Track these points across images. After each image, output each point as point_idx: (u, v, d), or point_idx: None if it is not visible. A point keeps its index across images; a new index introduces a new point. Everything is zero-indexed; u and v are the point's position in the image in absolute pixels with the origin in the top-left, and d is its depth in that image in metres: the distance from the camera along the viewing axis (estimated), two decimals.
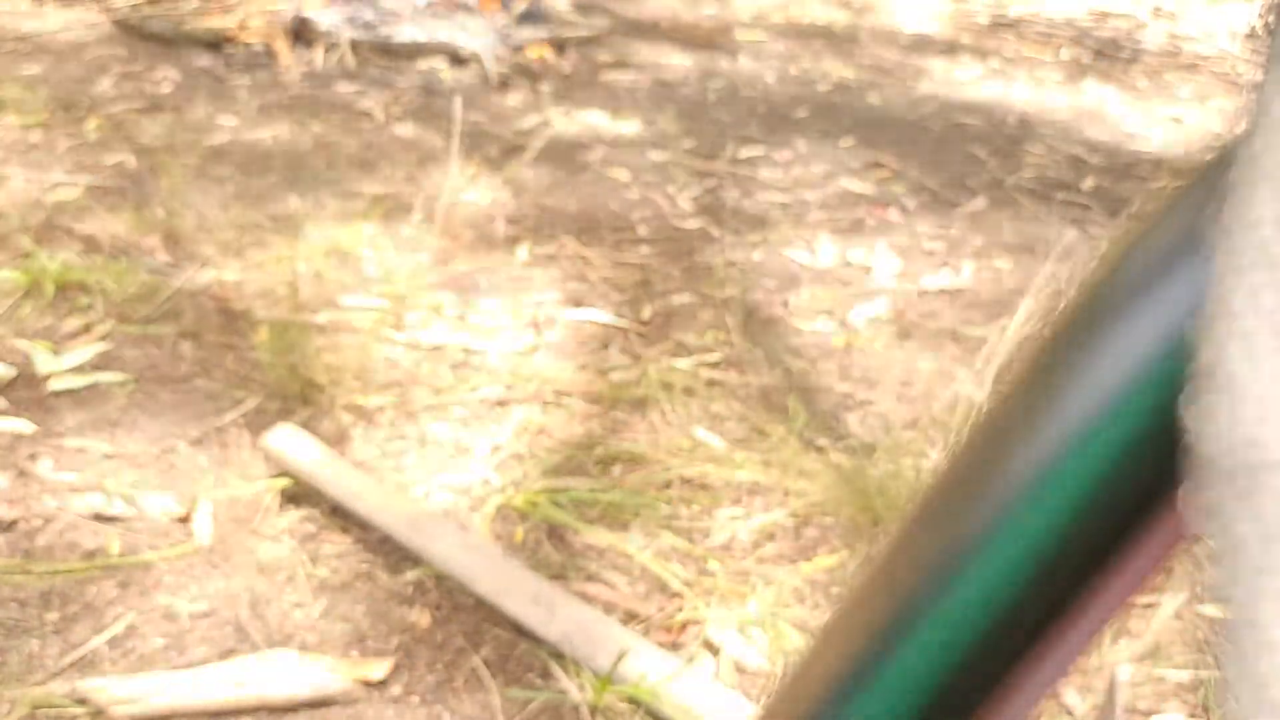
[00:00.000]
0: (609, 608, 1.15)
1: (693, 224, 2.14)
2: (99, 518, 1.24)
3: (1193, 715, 1.08)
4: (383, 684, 1.06)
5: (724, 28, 3.71)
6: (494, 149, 2.46)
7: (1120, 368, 0.21)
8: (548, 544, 1.24)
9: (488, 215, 2.11)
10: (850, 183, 2.41)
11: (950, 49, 3.69)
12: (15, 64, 2.76)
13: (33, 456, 1.33)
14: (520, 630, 1.11)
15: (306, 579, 1.17)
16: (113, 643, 1.08)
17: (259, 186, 2.16)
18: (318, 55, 2.96)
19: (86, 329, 1.61)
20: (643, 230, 2.10)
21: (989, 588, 0.24)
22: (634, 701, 1.03)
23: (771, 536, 1.27)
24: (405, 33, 3.08)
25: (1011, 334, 1.72)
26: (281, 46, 2.96)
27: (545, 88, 2.94)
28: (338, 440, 1.39)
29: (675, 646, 1.11)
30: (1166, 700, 1.09)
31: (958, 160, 2.59)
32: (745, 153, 2.55)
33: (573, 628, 1.08)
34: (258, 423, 1.41)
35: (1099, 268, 0.23)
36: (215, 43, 3.02)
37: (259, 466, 1.33)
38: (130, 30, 3.11)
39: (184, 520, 1.25)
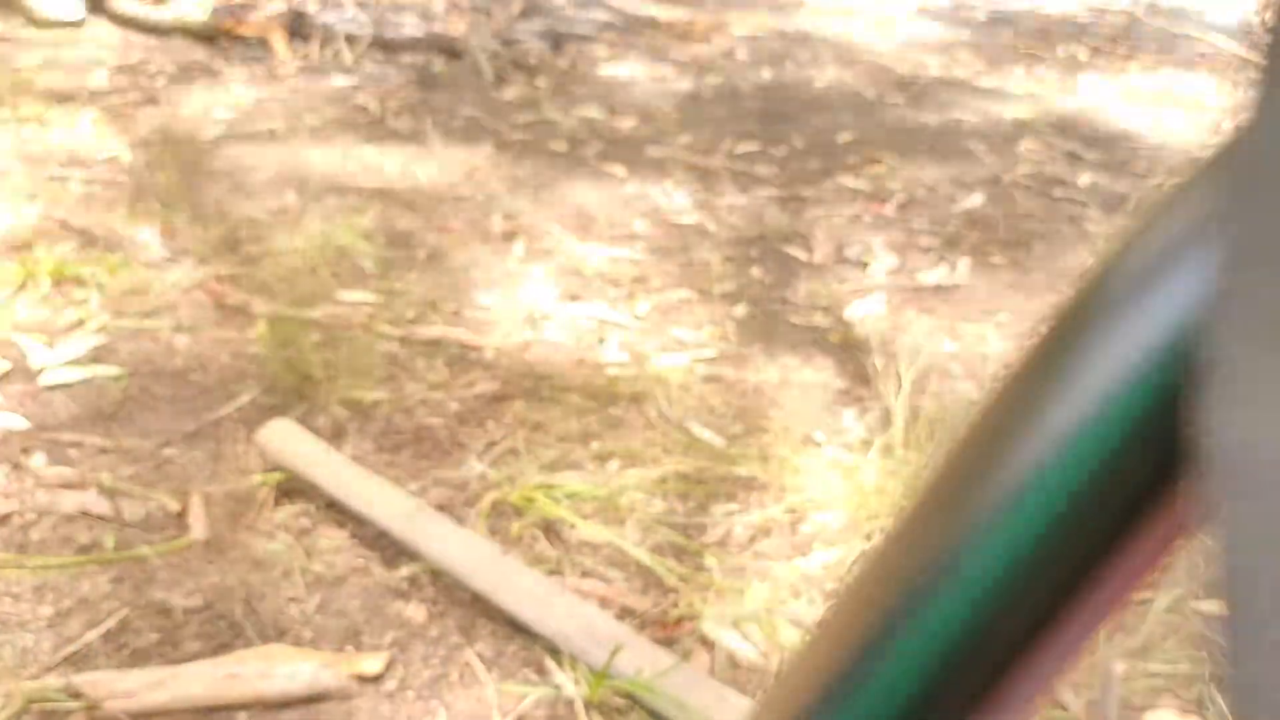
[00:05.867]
0: (604, 603, 1.15)
1: (689, 219, 2.14)
2: (93, 512, 1.24)
3: (1187, 711, 1.08)
4: (378, 679, 1.05)
5: (720, 24, 3.71)
6: (489, 144, 2.46)
7: (1121, 364, 0.21)
8: (543, 539, 1.24)
9: (484, 210, 2.11)
10: (846, 179, 2.41)
11: (947, 45, 3.68)
12: (10, 56, 2.75)
13: (27, 451, 1.33)
14: (515, 625, 1.11)
15: (301, 574, 1.17)
16: (107, 637, 1.08)
17: (255, 180, 2.16)
18: (314, 49, 2.95)
19: (81, 323, 1.60)
20: (639, 226, 2.10)
21: (987, 583, 0.24)
22: (629, 697, 1.03)
23: (767, 532, 1.27)
24: (402, 27, 3.07)
25: (1007, 332, 1.72)
26: (278, 40, 2.95)
27: (541, 83, 2.93)
28: (333, 435, 1.39)
29: (670, 642, 1.11)
30: (1161, 696, 1.09)
31: (954, 156, 2.59)
32: (741, 148, 2.55)
33: (568, 623, 1.08)
34: (253, 417, 1.41)
35: (1100, 263, 0.23)
36: (211, 36, 3.01)
37: (254, 461, 1.33)
38: (126, 23, 3.10)
39: (179, 515, 1.25)
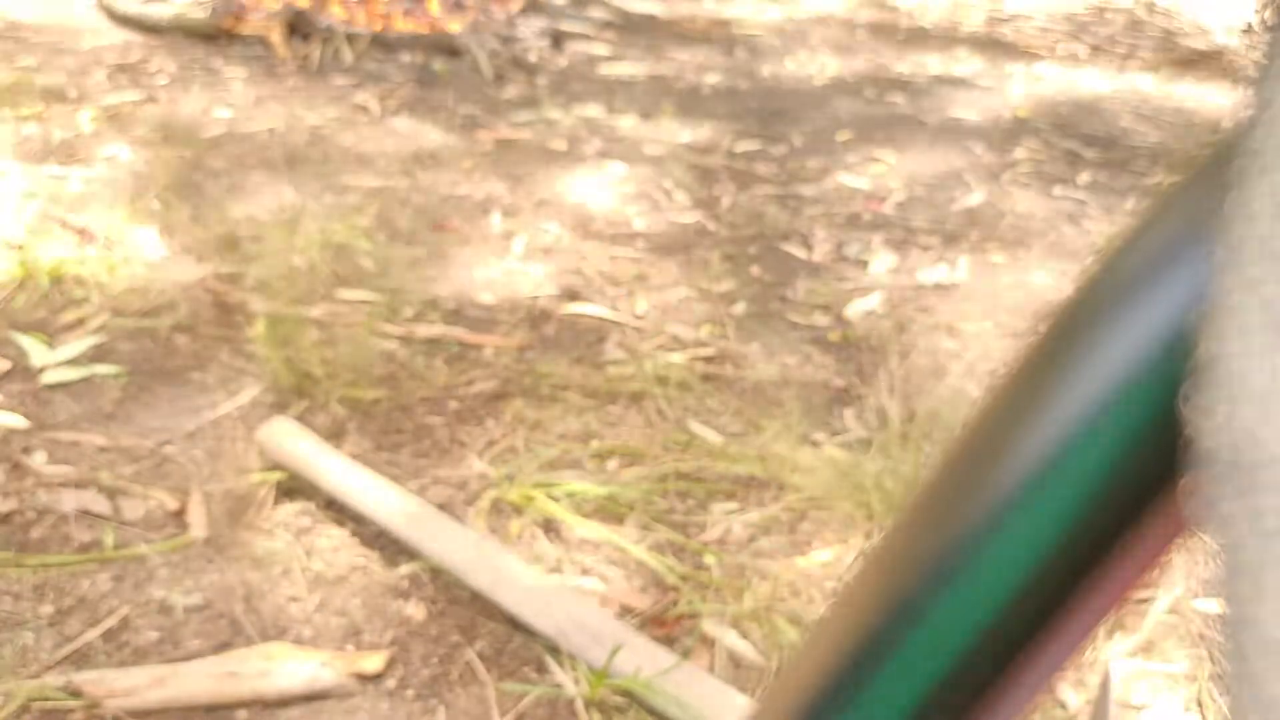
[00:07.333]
0: (604, 601, 1.15)
1: (688, 218, 2.14)
2: (93, 511, 1.24)
3: (1186, 710, 1.08)
4: (378, 677, 1.06)
5: (720, 22, 3.71)
6: (489, 142, 2.46)
7: (1121, 362, 0.21)
8: (543, 537, 1.24)
9: (483, 209, 2.11)
10: (846, 177, 2.41)
11: (947, 43, 3.68)
12: (10, 55, 2.74)
13: (27, 450, 1.33)
14: (515, 624, 1.11)
15: (301, 572, 1.17)
16: (107, 636, 1.08)
17: (254, 179, 2.15)
18: (314, 48, 2.95)
19: (81, 322, 1.60)
20: (639, 224, 2.10)
21: (987, 582, 0.24)
22: (629, 695, 1.03)
23: (767, 531, 1.28)
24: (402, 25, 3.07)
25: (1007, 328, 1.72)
26: (278, 39, 2.95)
27: (542, 81, 2.93)
28: (333, 434, 1.39)
29: (670, 640, 1.11)
30: (1160, 695, 1.10)
31: (954, 155, 2.59)
32: (741, 147, 2.55)
33: (568, 621, 1.08)
34: (253, 416, 1.41)
35: (1100, 261, 0.23)
36: (211, 35, 3.01)
37: (254, 460, 1.33)
38: (126, 22, 3.10)
39: (179, 514, 1.25)
